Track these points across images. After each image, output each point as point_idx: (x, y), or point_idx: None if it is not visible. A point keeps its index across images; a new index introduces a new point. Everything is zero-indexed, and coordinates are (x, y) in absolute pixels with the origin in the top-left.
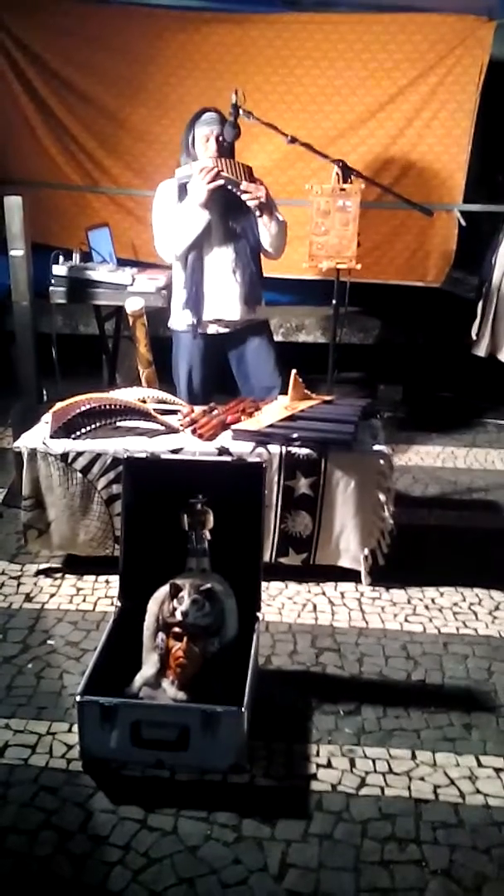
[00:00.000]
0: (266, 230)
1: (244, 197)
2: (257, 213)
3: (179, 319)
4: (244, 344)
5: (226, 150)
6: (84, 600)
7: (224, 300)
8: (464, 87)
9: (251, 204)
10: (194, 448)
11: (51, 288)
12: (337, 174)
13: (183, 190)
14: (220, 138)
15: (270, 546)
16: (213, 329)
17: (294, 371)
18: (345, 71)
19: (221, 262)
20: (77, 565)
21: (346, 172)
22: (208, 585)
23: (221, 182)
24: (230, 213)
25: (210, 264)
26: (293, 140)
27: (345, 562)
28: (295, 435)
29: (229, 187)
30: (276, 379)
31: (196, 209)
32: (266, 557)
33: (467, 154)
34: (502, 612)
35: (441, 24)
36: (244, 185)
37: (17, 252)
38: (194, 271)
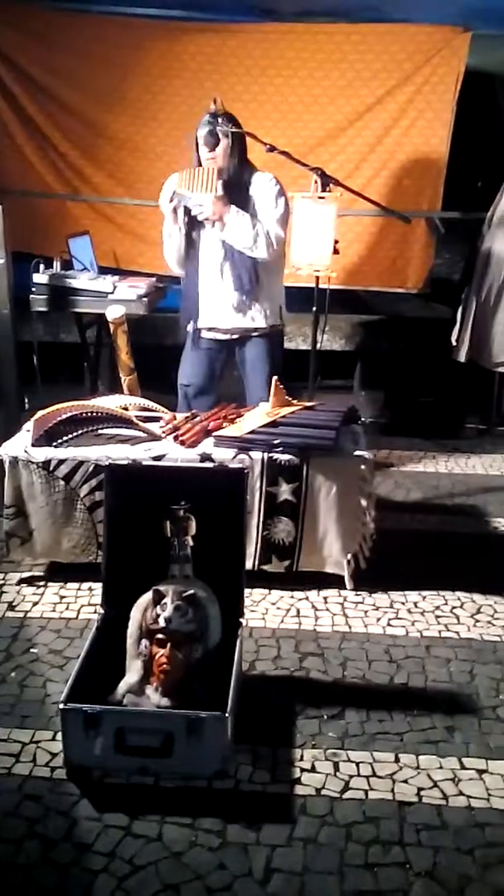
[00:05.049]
0: (229, 238)
1: (194, 212)
2: (210, 226)
3: (185, 323)
4: (244, 352)
5: (232, 148)
6: (67, 608)
7: (216, 308)
8: (440, 97)
9: (201, 219)
10: (176, 455)
11: (31, 296)
12: (316, 182)
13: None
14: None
15: (253, 554)
16: (209, 335)
17: (275, 378)
18: (323, 80)
19: (213, 270)
20: (60, 573)
21: (325, 180)
22: (191, 591)
23: (175, 203)
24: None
25: (203, 272)
26: (272, 148)
27: (328, 567)
28: (277, 441)
29: (185, 205)
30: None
31: (170, 226)
32: (249, 565)
33: (445, 162)
34: (484, 615)
35: (418, 34)
36: (190, 202)
37: None
38: (188, 279)
